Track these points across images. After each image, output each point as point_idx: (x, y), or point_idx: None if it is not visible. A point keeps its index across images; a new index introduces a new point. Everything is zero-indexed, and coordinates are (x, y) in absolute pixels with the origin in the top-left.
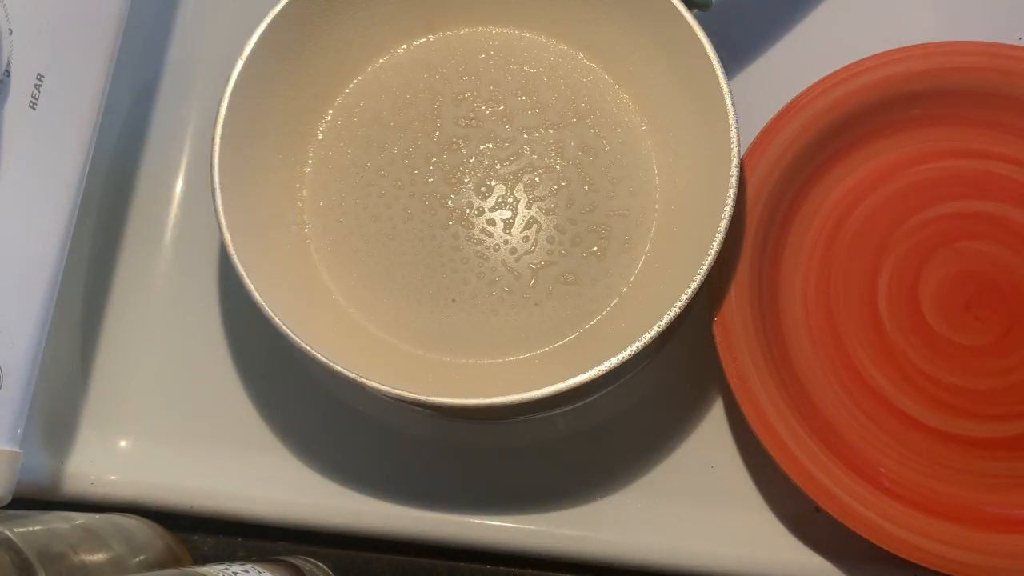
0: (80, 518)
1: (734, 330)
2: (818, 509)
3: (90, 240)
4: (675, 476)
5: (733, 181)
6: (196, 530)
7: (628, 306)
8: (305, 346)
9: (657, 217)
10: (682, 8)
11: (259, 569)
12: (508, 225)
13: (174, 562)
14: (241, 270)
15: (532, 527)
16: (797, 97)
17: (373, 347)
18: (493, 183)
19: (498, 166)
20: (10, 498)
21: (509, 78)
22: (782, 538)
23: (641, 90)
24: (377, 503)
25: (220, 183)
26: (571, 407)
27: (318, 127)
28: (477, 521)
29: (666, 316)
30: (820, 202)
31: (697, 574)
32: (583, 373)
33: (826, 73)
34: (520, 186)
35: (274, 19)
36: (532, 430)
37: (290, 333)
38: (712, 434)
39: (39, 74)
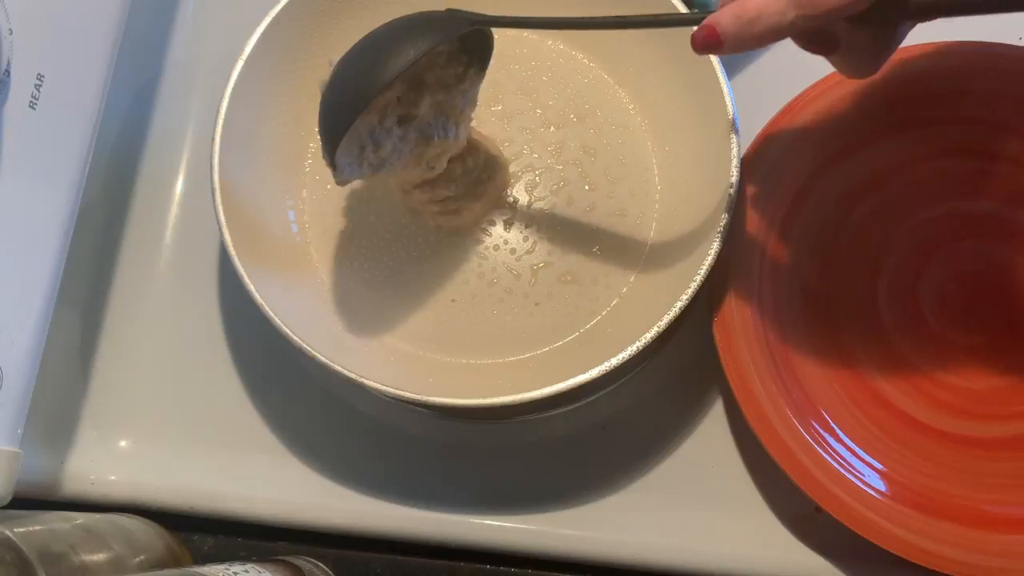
0: (80, 518)
1: (734, 330)
2: (818, 509)
3: (90, 240)
4: (675, 476)
5: (733, 181)
6: (196, 530)
7: (628, 306)
8: (305, 346)
9: (657, 217)
10: (682, 8)
11: (259, 569)
12: (508, 225)
13: (174, 562)
14: (241, 270)
15: (532, 527)
16: (797, 97)
17: (373, 347)
18: None
19: None
20: (10, 498)
21: (509, 78)
22: (782, 538)
23: (641, 90)
24: (377, 503)
25: (220, 183)
26: (571, 407)
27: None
28: (477, 521)
29: (666, 316)
30: (820, 202)
31: (697, 574)
32: (583, 373)
33: (826, 74)
34: (520, 185)
35: (274, 19)
36: (532, 430)
37: (290, 333)
38: (712, 434)
39: (39, 74)
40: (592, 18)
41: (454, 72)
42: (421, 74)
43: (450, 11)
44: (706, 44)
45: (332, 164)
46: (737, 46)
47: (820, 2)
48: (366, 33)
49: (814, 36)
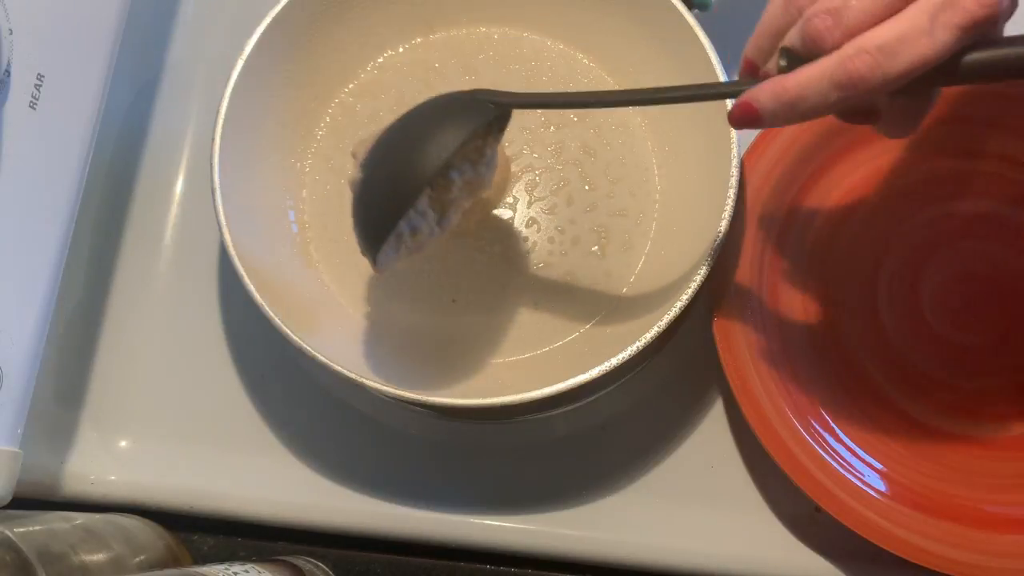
0: (80, 518)
1: (734, 330)
2: (818, 509)
3: (90, 240)
4: (675, 476)
5: (733, 181)
6: (196, 530)
7: (628, 306)
8: (305, 346)
9: (657, 217)
10: (682, 8)
11: (259, 569)
12: (508, 224)
13: (174, 562)
14: (241, 270)
15: (532, 527)
16: None
17: (373, 347)
18: None
19: None
20: (10, 498)
21: (509, 78)
22: (782, 538)
23: None
24: (377, 503)
25: (220, 183)
26: (571, 407)
27: (318, 127)
28: (477, 521)
29: (666, 316)
30: (820, 202)
31: (697, 574)
32: (583, 373)
33: None
34: (520, 185)
35: (274, 19)
36: (532, 430)
37: (290, 333)
38: (712, 434)
39: (39, 74)
40: (616, 92)
41: (475, 146)
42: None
43: (474, 93)
44: (742, 121)
45: (373, 261)
46: (775, 123)
47: (862, 83)
48: (390, 125)
49: (855, 110)
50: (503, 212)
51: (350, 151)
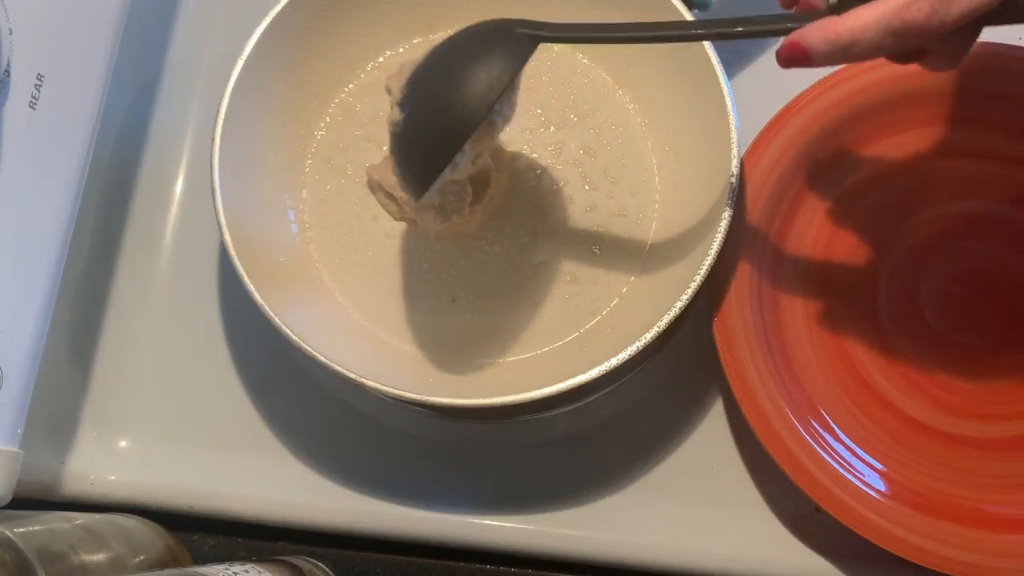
0: (80, 518)
1: (734, 330)
2: (818, 509)
3: (90, 240)
4: (675, 476)
5: (733, 181)
6: (196, 530)
7: (628, 306)
8: (305, 346)
9: (657, 217)
10: (682, 8)
11: (259, 569)
12: (508, 224)
13: (174, 562)
14: (241, 270)
15: (532, 527)
16: (797, 97)
17: (373, 347)
18: None
19: None
20: (10, 498)
21: None
22: (782, 538)
23: (641, 90)
24: (377, 503)
25: (220, 183)
26: (571, 407)
27: (318, 127)
28: (477, 521)
29: (666, 316)
30: (820, 202)
31: (697, 574)
32: (583, 373)
33: (826, 73)
34: (520, 185)
35: (274, 19)
36: (532, 430)
37: (290, 333)
38: (712, 434)
39: (39, 74)
40: (664, 25)
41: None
42: None
43: (508, 24)
44: (791, 60)
45: (416, 199)
46: (824, 64)
47: (919, 30)
48: (427, 58)
49: (904, 52)
50: (503, 212)
51: (384, 86)
